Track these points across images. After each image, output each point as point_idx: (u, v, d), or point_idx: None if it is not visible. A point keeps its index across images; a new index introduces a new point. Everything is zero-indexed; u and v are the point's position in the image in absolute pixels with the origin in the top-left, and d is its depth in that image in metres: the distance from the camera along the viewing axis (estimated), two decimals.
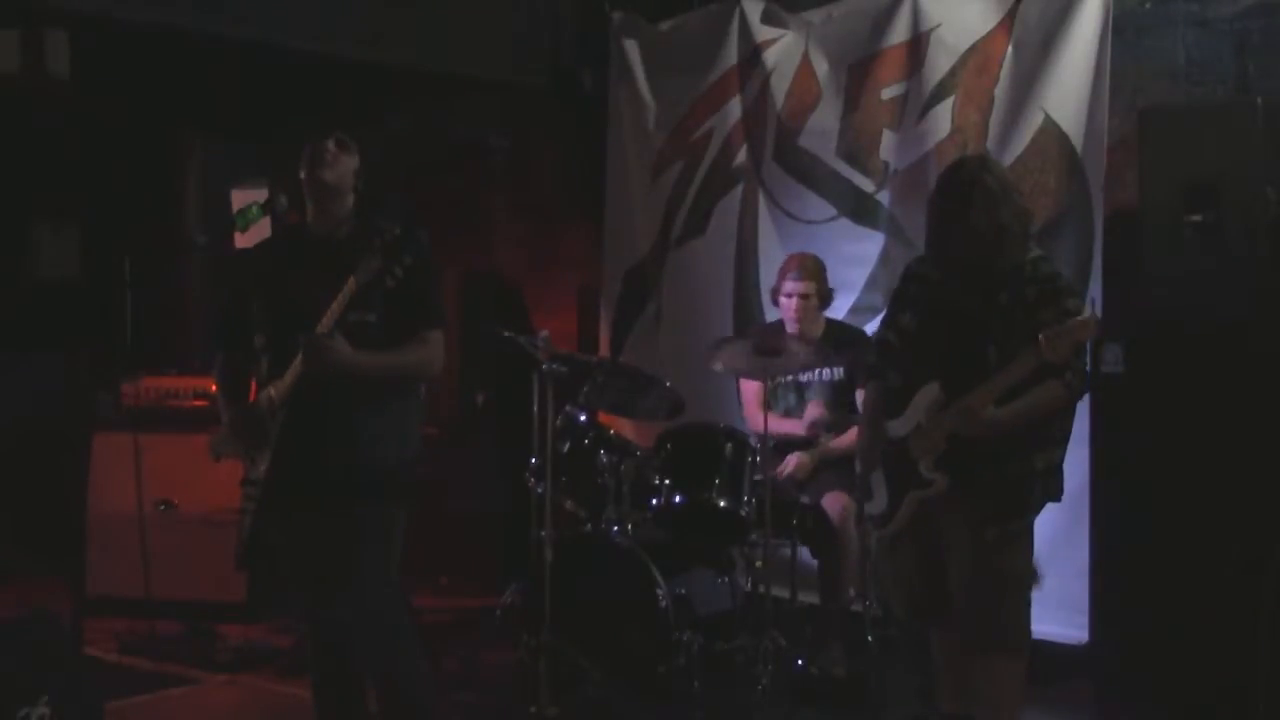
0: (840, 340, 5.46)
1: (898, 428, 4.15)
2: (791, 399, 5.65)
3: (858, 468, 4.36)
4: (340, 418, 3.83)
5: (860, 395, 5.33)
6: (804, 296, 5.46)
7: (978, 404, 3.91)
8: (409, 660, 3.97)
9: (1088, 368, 4.05)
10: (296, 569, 4.01)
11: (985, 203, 3.95)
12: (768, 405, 5.31)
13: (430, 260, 3.93)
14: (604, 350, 6.90)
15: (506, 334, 5.11)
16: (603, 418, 5.82)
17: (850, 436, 5.38)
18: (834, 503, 5.30)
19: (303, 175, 3.92)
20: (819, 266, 5.55)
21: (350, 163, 3.93)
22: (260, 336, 3.95)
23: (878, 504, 4.25)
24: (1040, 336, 3.82)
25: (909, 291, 4.22)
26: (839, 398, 5.54)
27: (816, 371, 5.55)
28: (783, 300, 5.54)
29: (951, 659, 4.18)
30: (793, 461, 5.48)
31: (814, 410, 5.54)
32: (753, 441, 5.30)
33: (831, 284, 5.69)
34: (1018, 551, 4.04)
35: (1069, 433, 4.12)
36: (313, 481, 3.85)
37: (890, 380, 4.23)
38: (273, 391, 3.86)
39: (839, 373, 5.52)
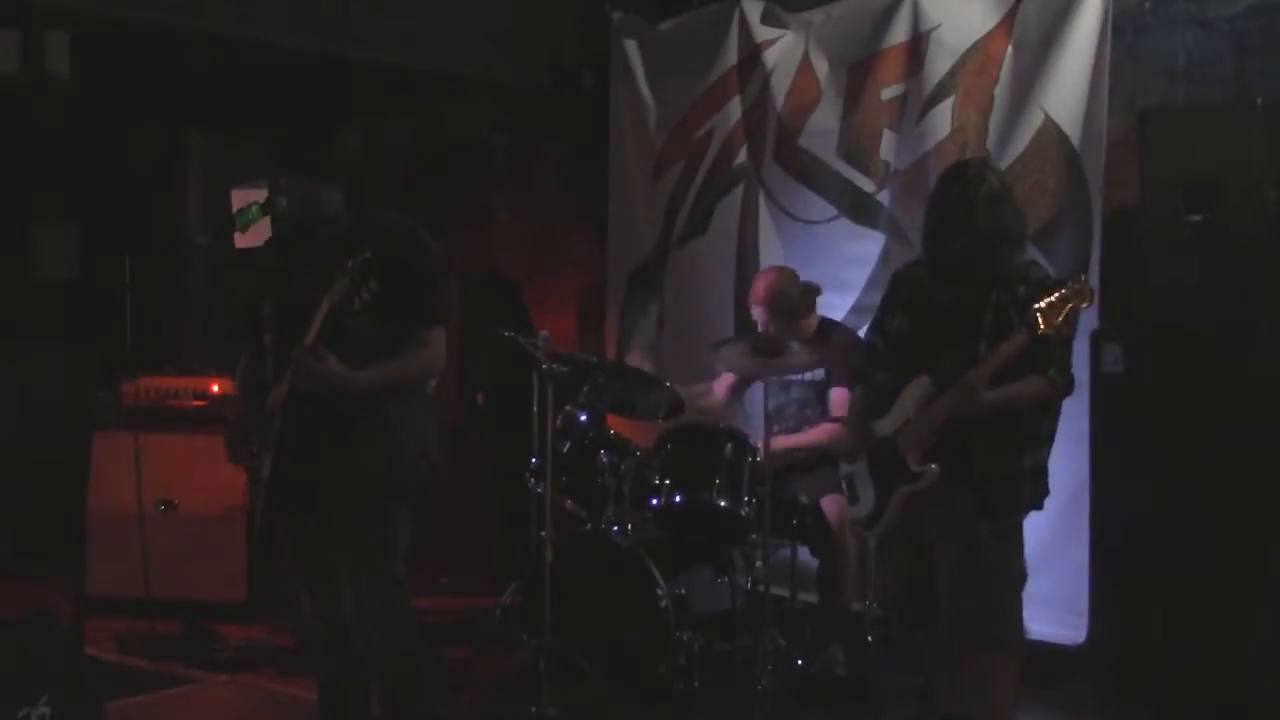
0: (827, 338, 5.47)
1: (885, 426, 4.15)
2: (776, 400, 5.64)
3: (842, 469, 4.37)
4: (338, 420, 3.83)
5: (834, 395, 5.38)
6: (764, 321, 5.52)
7: (974, 382, 3.91)
8: (412, 660, 3.97)
9: (1072, 368, 4.05)
10: (300, 569, 4.02)
11: (989, 204, 3.97)
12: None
13: (430, 259, 3.92)
14: (610, 351, 6.90)
15: (508, 334, 5.10)
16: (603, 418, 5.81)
17: (816, 433, 5.44)
18: (833, 504, 5.30)
19: None
20: (779, 284, 5.54)
21: (311, 190, 3.89)
22: (267, 335, 3.96)
23: (864, 506, 4.26)
24: (1033, 307, 3.83)
25: (899, 296, 4.23)
26: (817, 396, 5.55)
27: (810, 371, 5.56)
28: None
29: (944, 659, 4.18)
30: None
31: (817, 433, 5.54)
32: (753, 441, 5.30)
33: (832, 284, 5.71)
34: (1009, 549, 4.03)
35: (1054, 433, 4.12)
36: (312, 483, 3.85)
37: (877, 381, 4.24)
38: (273, 395, 3.86)
39: (819, 373, 5.53)
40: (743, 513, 5.20)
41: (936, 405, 3.99)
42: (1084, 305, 3.90)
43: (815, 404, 5.54)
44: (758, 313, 5.56)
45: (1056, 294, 3.85)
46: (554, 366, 4.96)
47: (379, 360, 3.83)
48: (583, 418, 5.43)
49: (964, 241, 3.99)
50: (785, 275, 5.62)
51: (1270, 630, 4.57)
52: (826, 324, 5.64)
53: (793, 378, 5.58)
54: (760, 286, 5.59)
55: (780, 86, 6.31)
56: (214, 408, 6.27)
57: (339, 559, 3.90)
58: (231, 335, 4.21)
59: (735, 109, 6.51)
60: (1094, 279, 5.21)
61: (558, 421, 5.16)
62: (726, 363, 5.44)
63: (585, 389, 5.45)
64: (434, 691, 4.06)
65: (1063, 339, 3.93)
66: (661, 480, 5.27)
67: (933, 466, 4.01)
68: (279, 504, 3.92)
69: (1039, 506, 4.09)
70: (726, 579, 5.44)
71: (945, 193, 4.08)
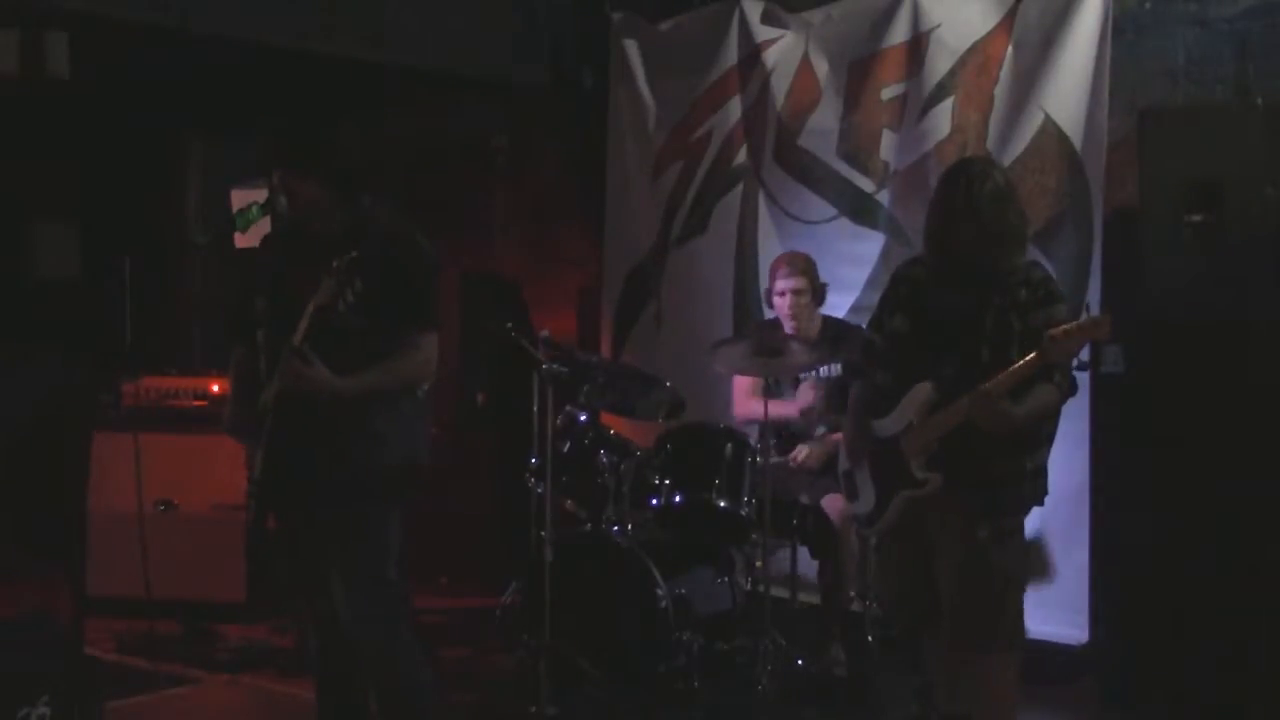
0: (838, 337, 5.45)
1: (886, 427, 4.14)
2: (786, 391, 5.64)
3: (841, 466, 4.36)
4: (327, 422, 3.82)
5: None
6: (796, 292, 5.45)
7: (995, 392, 3.89)
8: (408, 660, 3.96)
9: (1074, 371, 4.05)
10: (293, 568, 4.02)
11: (994, 201, 3.95)
12: (767, 393, 5.29)
13: (423, 262, 3.91)
14: (606, 350, 6.90)
15: (512, 330, 5.09)
16: (603, 417, 5.81)
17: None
18: (834, 504, 5.30)
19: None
20: (809, 263, 5.56)
21: (301, 186, 3.86)
22: (261, 333, 3.95)
23: (864, 503, 4.25)
24: (1049, 334, 3.81)
25: (899, 295, 4.21)
26: (836, 394, 5.54)
27: (815, 369, 5.55)
28: (776, 300, 5.53)
29: (944, 659, 4.17)
30: (804, 450, 5.47)
31: (807, 394, 5.51)
32: (752, 441, 5.30)
33: (831, 284, 5.70)
34: (1010, 549, 4.03)
35: (1054, 434, 4.12)
36: (301, 482, 3.84)
37: (877, 379, 4.23)
38: (265, 394, 3.86)
39: (835, 369, 5.52)
40: (743, 513, 5.20)
41: (947, 412, 3.97)
42: (1103, 338, 3.90)
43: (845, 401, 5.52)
44: (790, 284, 5.45)
45: (1075, 325, 3.82)
46: (554, 366, 4.96)
47: (368, 362, 3.82)
48: (583, 418, 5.43)
49: (967, 238, 3.97)
50: (810, 258, 5.60)
51: (1271, 630, 4.57)
52: (833, 322, 5.63)
53: (804, 378, 5.58)
54: (789, 260, 5.53)
55: (780, 86, 6.31)
56: (214, 408, 6.27)
57: (330, 560, 3.89)
58: (225, 329, 4.21)
59: (735, 109, 6.51)
60: (1094, 278, 5.22)
61: (558, 421, 5.15)
62: (726, 363, 5.43)
63: (585, 389, 5.46)
64: (430, 691, 4.05)
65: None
66: (661, 480, 5.27)
67: (937, 475, 4.00)
68: (270, 503, 3.91)
69: (1040, 503, 4.09)
70: (726, 579, 5.44)
71: (949, 189, 4.05)
